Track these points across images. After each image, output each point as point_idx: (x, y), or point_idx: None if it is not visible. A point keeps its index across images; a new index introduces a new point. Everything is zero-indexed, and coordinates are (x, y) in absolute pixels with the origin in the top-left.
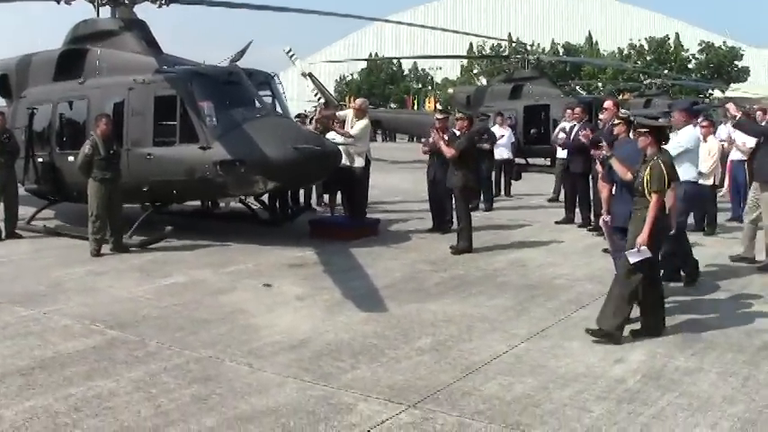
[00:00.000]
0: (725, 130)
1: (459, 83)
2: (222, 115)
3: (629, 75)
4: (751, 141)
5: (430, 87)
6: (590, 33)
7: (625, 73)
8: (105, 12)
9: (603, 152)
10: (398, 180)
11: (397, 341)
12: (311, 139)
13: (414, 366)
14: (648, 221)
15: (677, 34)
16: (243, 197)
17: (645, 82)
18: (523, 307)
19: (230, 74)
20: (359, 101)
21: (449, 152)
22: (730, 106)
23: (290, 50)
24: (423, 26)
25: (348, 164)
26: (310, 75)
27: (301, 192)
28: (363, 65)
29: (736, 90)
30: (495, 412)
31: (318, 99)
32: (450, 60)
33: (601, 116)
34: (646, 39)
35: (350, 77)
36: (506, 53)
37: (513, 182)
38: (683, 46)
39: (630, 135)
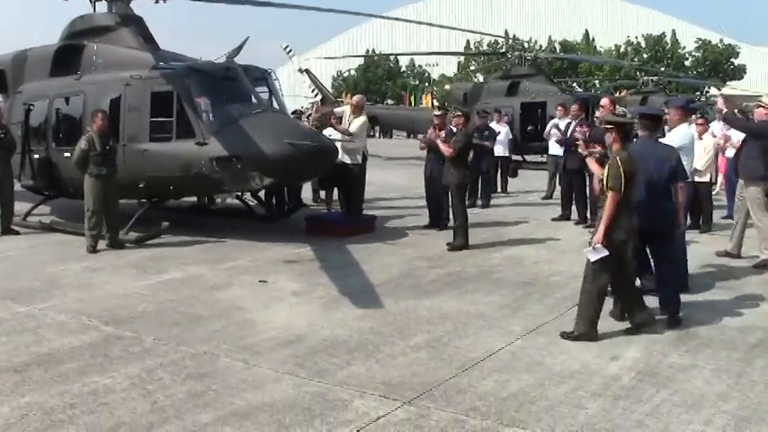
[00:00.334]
0: (718, 126)
1: (456, 79)
2: (219, 111)
3: (625, 72)
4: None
5: (427, 84)
6: (587, 30)
7: (622, 70)
8: (102, 7)
9: (595, 150)
10: (395, 177)
11: (393, 338)
12: (308, 135)
13: (409, 363)
14: (604, 219)
15: (674, 32)
16: (239, 193)
17: (641, 79)
18: (519, 304)
19: (227, 70)
20: (356, 97)
21: (447, 151)
22: (719, 101)
23: (287, 47)
24: (420, 23)
25: (345, 160)
26: (307, 71)
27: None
28: (361, 61)
29: (734, 89)
30: (491, 409)
31: (315, 95)
32: (447, 57)
33: (597, 113)
34: (643, 36)
35: (347, 74)
36: (503, 50)
37: (509, 179)
38: (679, 43)
39: None
